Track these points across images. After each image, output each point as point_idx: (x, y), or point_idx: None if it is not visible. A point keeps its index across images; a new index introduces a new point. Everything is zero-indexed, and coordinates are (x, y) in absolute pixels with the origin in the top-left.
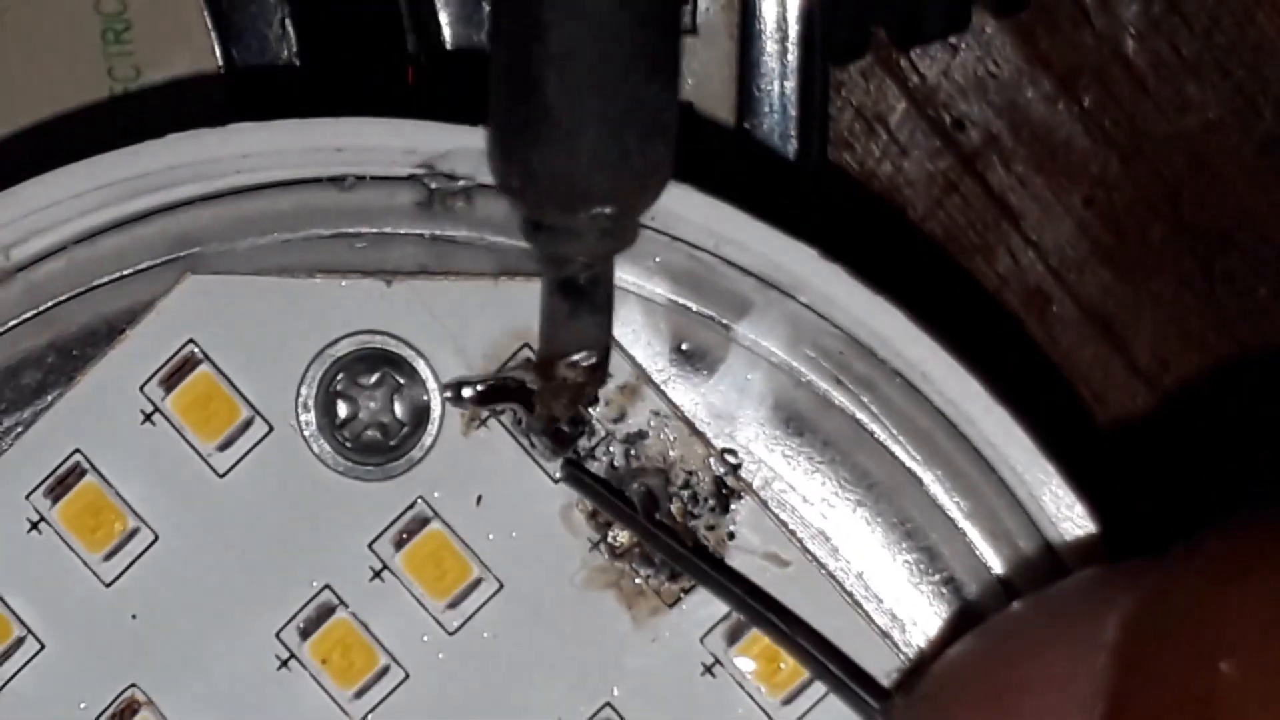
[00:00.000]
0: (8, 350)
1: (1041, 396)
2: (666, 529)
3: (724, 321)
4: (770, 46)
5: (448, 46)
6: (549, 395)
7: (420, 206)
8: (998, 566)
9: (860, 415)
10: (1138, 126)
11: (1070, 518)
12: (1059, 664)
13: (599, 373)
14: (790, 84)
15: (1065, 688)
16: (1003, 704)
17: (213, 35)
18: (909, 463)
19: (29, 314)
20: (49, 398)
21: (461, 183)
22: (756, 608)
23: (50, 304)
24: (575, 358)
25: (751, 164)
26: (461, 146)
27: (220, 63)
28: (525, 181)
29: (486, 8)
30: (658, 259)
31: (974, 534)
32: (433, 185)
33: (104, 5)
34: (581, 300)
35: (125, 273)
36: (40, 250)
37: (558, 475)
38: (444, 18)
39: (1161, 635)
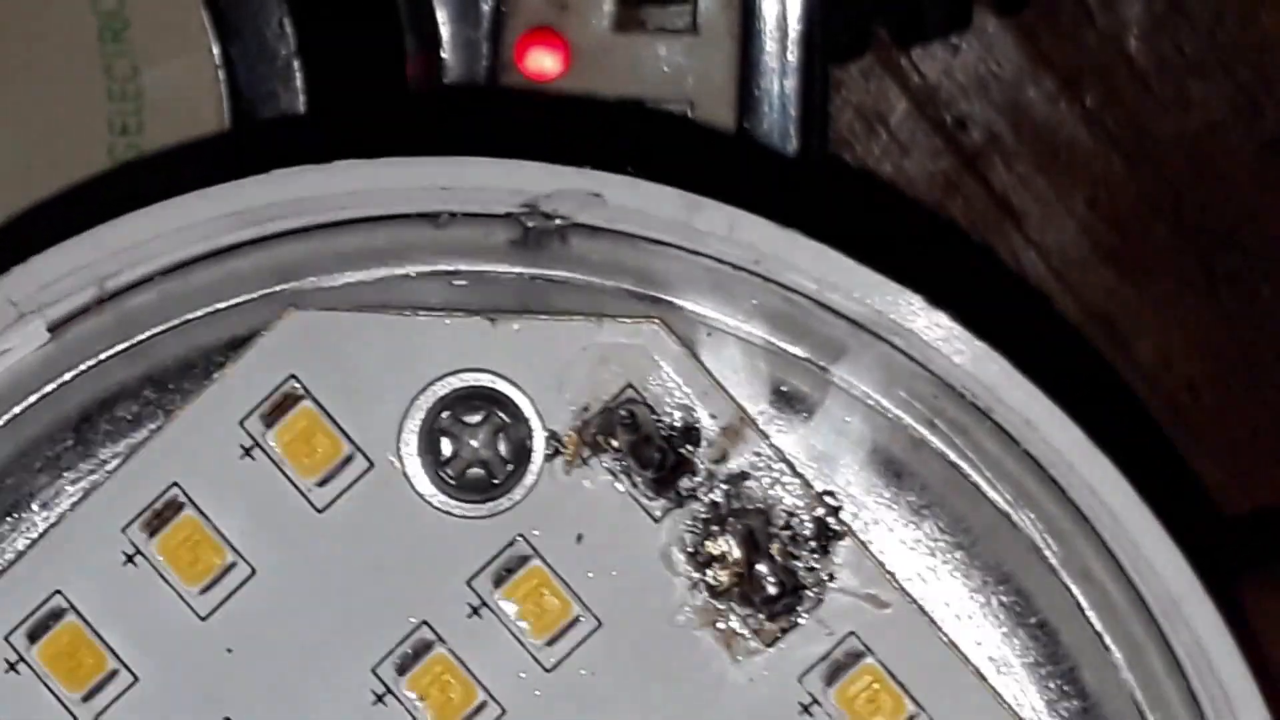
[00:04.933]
0: (103, 382)
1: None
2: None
3: (821, 364)
4: (771, 45)
5: (445, 45)
6: None
7: (515, 245)
8: (1089, 610)
9: (954, 457)
10: (1140, 126)
11: (1165, 565)
12: None
13: None
14: (791, 83)
15: None
16: None
17: (211, 34)
18: (1004, 506)
19: (122, 345)
20: (145, 430)
21: (558, 222)
22: None
23: (145, 336)
24: None
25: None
26: (566, 188)
27: (219, 62)
28: None
29: (484, 7)
30: (755, 301)
31: (1066, 577)
32: (530, 224)
33: (102, 4)
34: None
35: (220, 306)
36: (133, 280)
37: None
38: (441, 16)
39: None
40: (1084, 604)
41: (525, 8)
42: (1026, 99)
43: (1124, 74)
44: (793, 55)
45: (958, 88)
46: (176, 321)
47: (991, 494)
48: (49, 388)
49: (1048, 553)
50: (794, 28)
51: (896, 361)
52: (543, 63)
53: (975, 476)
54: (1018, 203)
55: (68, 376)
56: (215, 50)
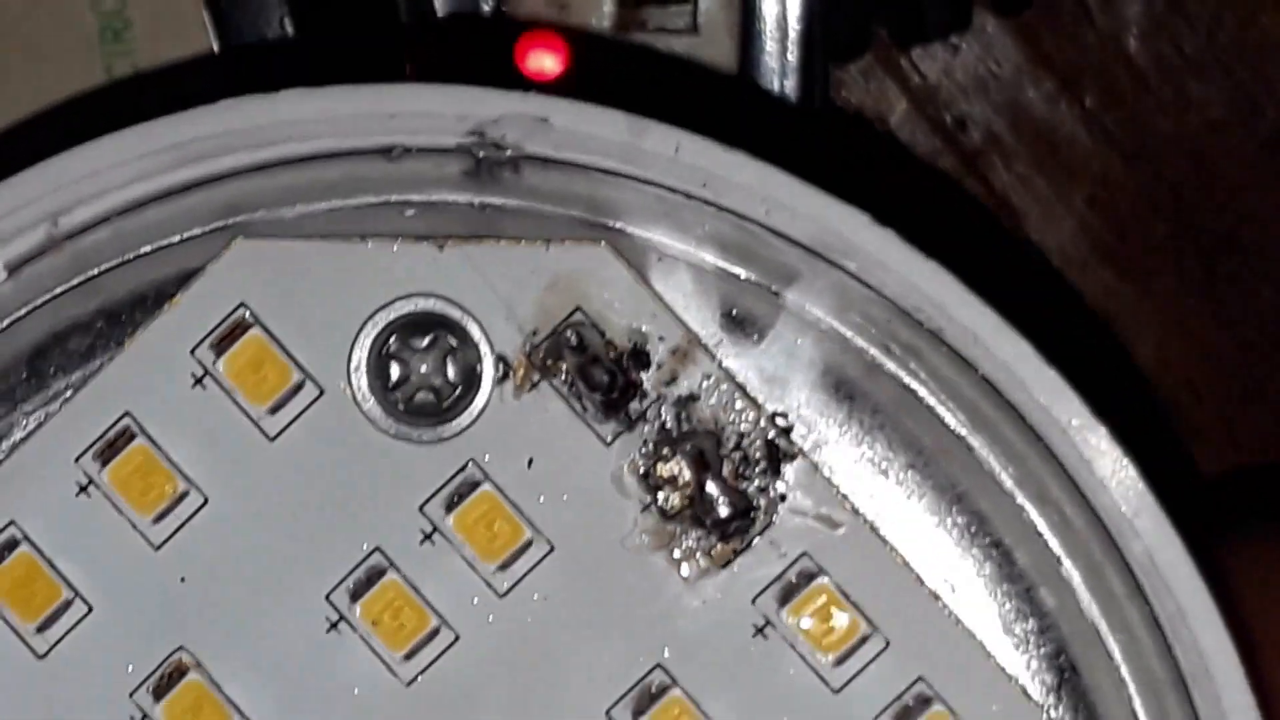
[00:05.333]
0: (55, 316)
1: None
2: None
3: (773, 288)
4: (771, 45)
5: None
6: None
7: (468, 176)
8: (1046, 531)
9: (909, 381)
10: (1140, 126)
11: (1120, 482)
12: None
13: None
14: (790, 83)
15: None
16: None
17: (211, 34)
18: (957, 428)
19: (76, 280)
20: (97, 363)
21: (509, 152)
22: None
23: (98, 271)
24: None
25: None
26: (512, 112)
27: None
28: None
29: (484, 7)
30: (706, 228)
31: (1021, 499)
32: (480, 154)
33: (102, 4)
34: None
35: (173, 241)
36: (88, 219)
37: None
38: None
39: None
40: (1040, 525)
41: (525, 8)
42: (1026, 99)
43: (1124, 74)
44: (793, 55)
45: (958, 88)
46: (130, 256)
47: (946, 416)
48: (4, 324)
49: (1003, 475)
50: (794, 28)
51: (850, 286)
52: (543, 63)
53: (929, 399)
54: (1018, 202)
55: (22, 313)
56: (215, 50)
